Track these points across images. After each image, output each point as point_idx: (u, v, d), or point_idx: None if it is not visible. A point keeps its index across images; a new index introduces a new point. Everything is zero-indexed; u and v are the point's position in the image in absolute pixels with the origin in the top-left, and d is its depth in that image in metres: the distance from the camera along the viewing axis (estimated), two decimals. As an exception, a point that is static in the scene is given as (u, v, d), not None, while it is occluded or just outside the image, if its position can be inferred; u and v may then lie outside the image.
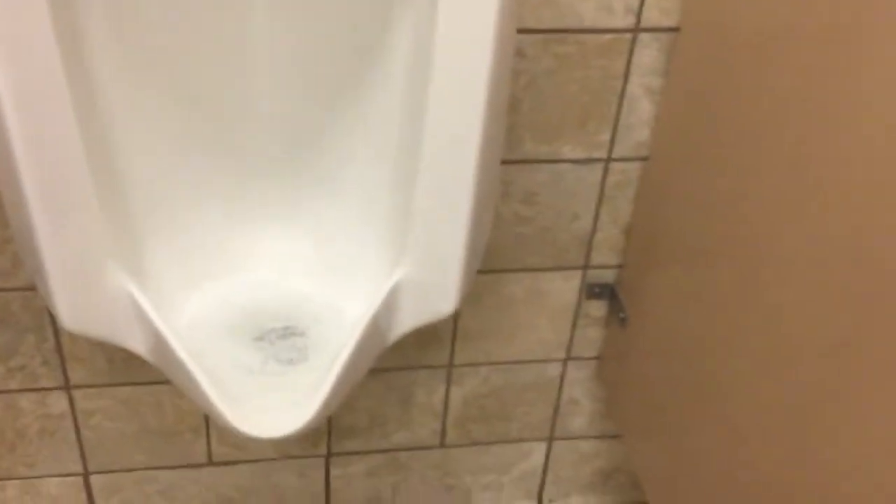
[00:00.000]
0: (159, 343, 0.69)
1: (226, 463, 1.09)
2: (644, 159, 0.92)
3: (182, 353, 0.67)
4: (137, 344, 0.71)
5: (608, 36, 0.83)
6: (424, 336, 1.02)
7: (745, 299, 0.75)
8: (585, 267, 1.00)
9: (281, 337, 0.76)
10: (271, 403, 0.69)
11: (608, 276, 1.01)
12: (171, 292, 0.74)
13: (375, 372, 1.04)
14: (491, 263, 0.97)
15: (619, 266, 1.00)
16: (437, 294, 0.73)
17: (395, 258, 0.73)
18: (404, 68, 0.70)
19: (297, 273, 0.78)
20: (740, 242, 0.76)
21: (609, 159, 0.91)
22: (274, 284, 0.78)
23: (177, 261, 0.75)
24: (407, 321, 0.74)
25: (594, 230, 0.97)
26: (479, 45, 0.63)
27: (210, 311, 0.76)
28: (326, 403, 0.67)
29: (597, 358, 1.09)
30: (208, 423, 1.05)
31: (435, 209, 0.70)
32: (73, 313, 0.68)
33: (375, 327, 0.71)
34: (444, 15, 0.62)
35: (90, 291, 0.68)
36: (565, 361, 1.08)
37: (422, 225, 0.70)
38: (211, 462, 1.08)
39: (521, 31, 0.81)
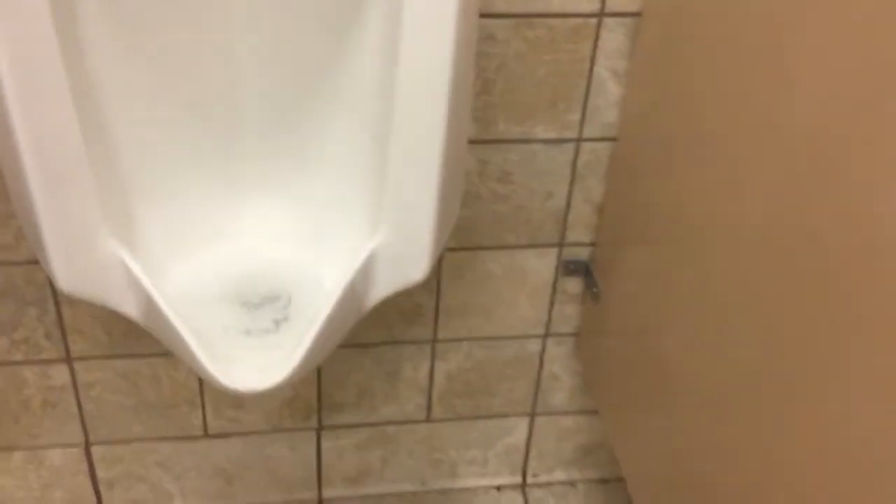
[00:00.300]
0: (150, 306, 0.74)
1: (220, 435, 1.14)
2: (613, 139, 0.97)
3: (171, 316, 0.72)
4: (130, 308, 0.76)
5: (575, 20, 0.88)
6: (409, 312, 1.07)
7: (705, 276, 0.79)
8: (561, 244, 1.04)
9: (264, 301, 0.81)
10: (255, 362, 0.73)
11: (583, 253, 1.06)
12: (161, 259, 0.79)
13: (364, 346, 1.09)
14: (470, 240, 1.02)
15: (593, 244, 1.05)
16: (409, 262, 0.77)
17: (371, 228, 0.78)
18: (376, 47, 0.75)
19: (280, 242, 0.83)
20: (701, 220, 0.80)
21: (580, 139, 0.96)
22: (258, 252, 0.83)
23: (166, 230, 0.80)
24: (382, 287, 0.79)
25: (568, 208, 1.01)
26: (442, 26, 0.68)
27: (197, 277, 0.81)
28: (304, 362, 0.72)
29: (574, 334, 1.14)
30: (203, 396, 1.10)
31: (406, 182, 0.75)
32: (69, 276, 0.73)
33: (352, 292, 0.76)
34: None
35: (85, 257, 0.73)
36: (544, 338, 1.13)
37: (394, 197, 0.75)
38: (206, 434, 1.14)
39: (492, 15, 0.86)
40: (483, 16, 0.86)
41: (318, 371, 1.11)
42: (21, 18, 0.63)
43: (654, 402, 0.92)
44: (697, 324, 0.81)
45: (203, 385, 1.09)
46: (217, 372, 0.70)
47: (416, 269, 0.77)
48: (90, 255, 0.73)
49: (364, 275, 0.77)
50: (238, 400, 1.11)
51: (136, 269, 0.73)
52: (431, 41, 0.69)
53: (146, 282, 0.73)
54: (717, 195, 0.77)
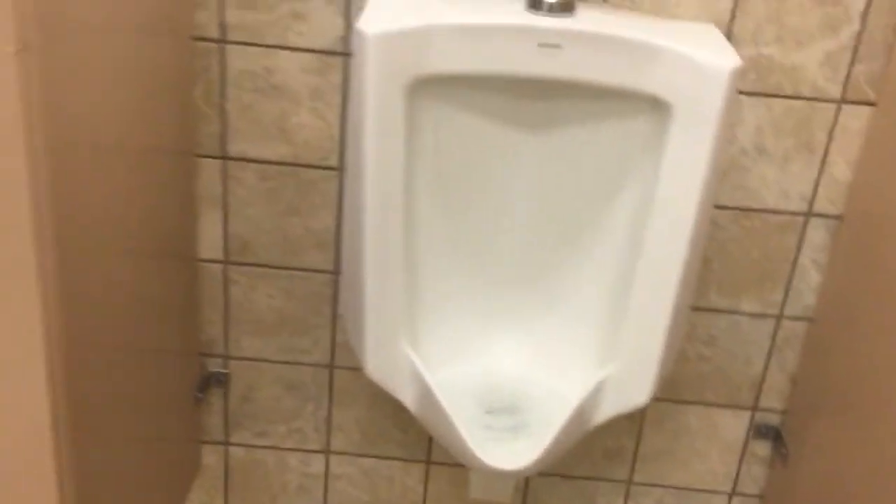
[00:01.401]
0: (428, 399, 0.95)
1: (433, 541, 1.31)
2: (810, 320, 1.13)
3: (447, 407, 0.92)
4: (408, 398, 0.98)
5: (785, 216, 1.07)
6: (612, 451, 1.23)
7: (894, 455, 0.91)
8: (754, 408, 1.19)
9: (508, 411, 1.01)
10: (504, 451, 0.92)
11: (774, 419, 1.20)
12: (432, 365, 1.01)
13: (568, 477, 1.25)
14: (674, 394, 1.19)
15: (784, 411, 1.19)
16: (635, 389, 0.96)
17: (601, 360, 0.97)
18: (627, 221, 0.97)
19: (526, 364, 1.04)
20: (891, 402, 0.93)
21: (780, 316, 1.13)
22: (507, 371, 1.04)
23: (438, 344, 1.02)
24: (608, 408, 0.97)
25: (764, 376, 1.17)
26: (685, 212, 0.90)
27: (457, 383, 1.02)
28: (544, 455, 0.90)
29: (759, 496, 1.25)
30: (425, 502, 1.28)
31: (640, 326, 0.94)
32: (374, 363, 0.96)
33: (583, 410, 0.95)
34: (662, 188, 0.90)
35: (387, 353, 0.96)
36: (731, 495, 1.26)
37: (628, 336, 0.95)
38: (422, 538, 1.31)
39: (716, 206, 1.07)
40: (708, 206, 1.07)
41: (525, 494, 1.27)
42: (385, 180, 0.89)
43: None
44: (886, 499, 0.92)
45: (427, 492, 1.28)
46: (484, 456, 0.89)
47: (640, 395, 0.96)
48: (390, 351, 0.96)
49: (594, 396, 0.96)
50: (455, 510, 1.29)
51: (422, 368, 0.95)
52: (675, 223, 0.90)
53: (430, 379, 0.94)
54: None
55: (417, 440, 1.25)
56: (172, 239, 1.04)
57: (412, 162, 0.94)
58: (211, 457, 1.26)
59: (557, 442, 0.91)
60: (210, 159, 1.07)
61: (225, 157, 1.07)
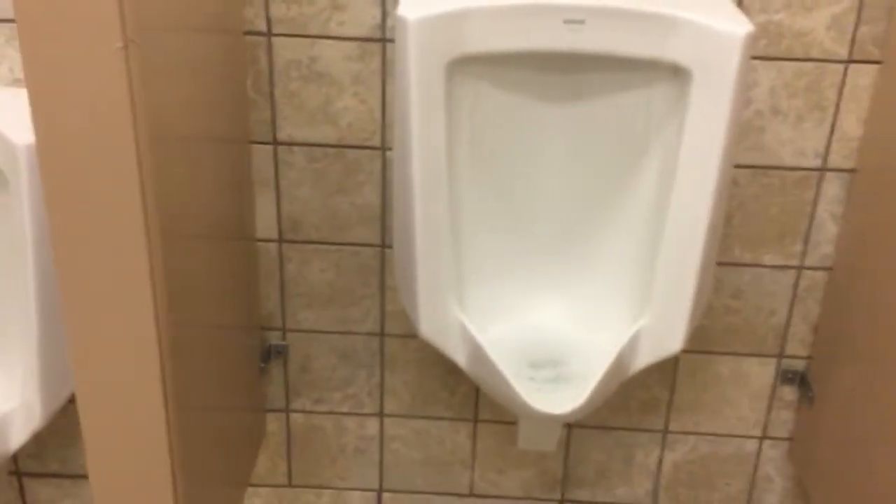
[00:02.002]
0: (478, 355, 1.03)
1: (482, 496, 1.40)
2: (829, 269, 1.20)
3: (497, 361, 1.00)
4: (460, 356, 1.06)
5: (801, 173, 1.15)
6: (647, 403, 1.31)
7: None
8: (780, 356, 1.27)
9: (551, 364, 1.09)
10: (551, 399, 1.00)
11: (799, 364, 1.27)
12: (479, 324, 1.09)
13: (606, 429, 1.33)
14: (704, 346, 1.26)
15: (809, 357, 1.26)
16: (668, 338, 1.03)
17: (636, 313, 1.05)
18: (654, 183, 1.04)
19: (565, 320, 1.12)
20: None
21: (801, 267, 1.20)
22: (548, 327, 1.12)
23: (484, 305, 1.10)
24: (644, 357, 1.05)
25: (788, 324, 1.24)
26: (708, 172, 0.97)
27: (503, 339, 1.10)
28: (588, 401, 0.98)
29: (789, 439, 1.33)
30: (475, 458, 1.37)
31: (670, 279, 1.02)
32: (427, 326, 1.04)
33: (622, 358, 1.03)
34: (685, 150, 0.97)
35: (439, 314, 1.04)
36: (761, 440, 1.33)
37: (660, 290, 1.03)
38: (472, 493, 1.39)
39: (737, 165, 1.14)
40: (728, 166, 1.14)
41: (567, 446, 1.35)
42: (430, 156, 0.97)
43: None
44: None
45: (476, 448, 1.36)
46: (533, 402, 0.97)
47: (673, 343, 1.03)
48: (442, 314, 1.04)
49: (631, 346, 1.03)
50: (501, 464, 1.37)
51: (471, 328, 1.03)
52: (698, 184, 0.98)
53: (479, 337, 1.02)
54: None
55: (464, 401, 1.33)
56: (235, 221, 1.13)
57: (452, 137, 1.02)
58: (274, 424, 1.35)
59: (599, 389, 0.99)
60: (262, 145, 1.15)
61: (276, 143, 1.15)
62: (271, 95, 1.13)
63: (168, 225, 0.77)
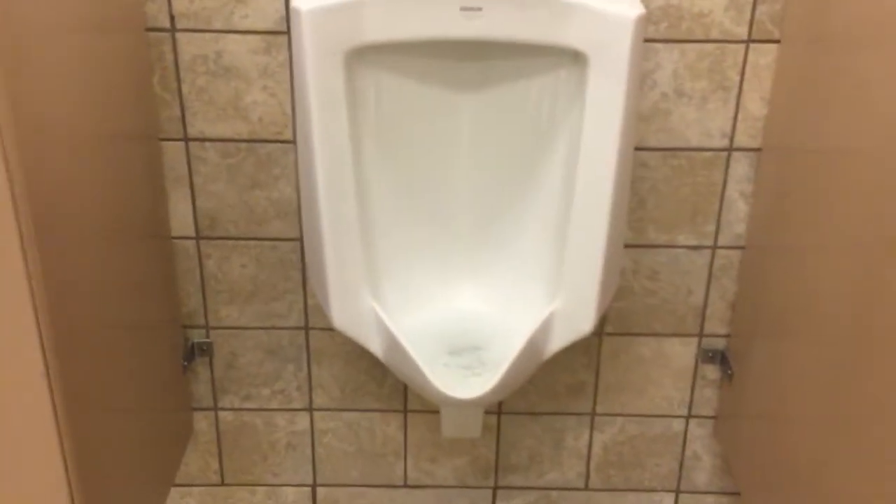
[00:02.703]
0: (393, 344, 1.03)
1: (417, 486, 1.40)
2: (742, 248, 1.22)
3: (409, 349, 1.01)
4: (375, 346, 1.06)
5: (709, 153, 1.16)
6: (573, 386, 1.33)
7: (828, 367, 0.97)
8: (700, 335, 1.28)
9: (469, 350, 1.09)
10: (464, 383, 1.01)
11: (719, 343, 1.29)
12: (396, 315, 1.09)
13: (535, 414, 1.35)
14: (625, 327, 1.28)
15: (728, 335, 1.28)
16: (580, 319, 1.05)
17: (550, 296, 1.06)
18: (561, 167, 1.05)
19: (481, 305, 1.13)
20: (825, 318, 1.00)
21: (715, 247, 1.22)
22: (464, 313, 1.13)
23: (400, 293, 1.11)
24: (558, 340, 1.06)
25: (706, 304, 1.26)
26: (608, 155, 0.98)
27: (420, 328, 1.11)
28: (497, 387, 0.99)
29: (714, 417, 1.35)
30: (406, 449, 1.38)
31: (578, 262, 1.03)
32: (340, 318, 1.04)
33: (534, 342, 1.04)
34: (586, 134, 0.98)
35: (351, 305, 1.04)
36: (687, 419, 1.35)
37: (569, 272, 1.04)
38: (406, 484, 1.40)
39: (645, 148, 1.16)
40: (638, 149, 1.15)
41: (497, 433, 1.36)
42: (333, 148, 0.98)
43: (789, 487, 1.08)
44: (821, 413, 0.99)
45: (407, 439, 1.37)
46: (444, 387, 0.98)
47: (585, 324, 1.04)
48: (354, 305, 1.04)
49: (544, 329, 1.04)
50: (433, 454, 1.38)
51: (385, 316, 1.04)
52: (599, 167, 0.99)
53: (392, 325, 1.03)
54: (835, 295, 0.98)
55: (393, 392, 1.34)
56: (147, 220, 1.12)
57: (357, 128, 1.02)
58: (202, 422, 1.34)
59: (511, 373, 1.00)
60: (173, 142, 1.15)
61: (187, 139, 1.15)
62: (179, 92, 1.12)
63: (53, 224, 0.76)
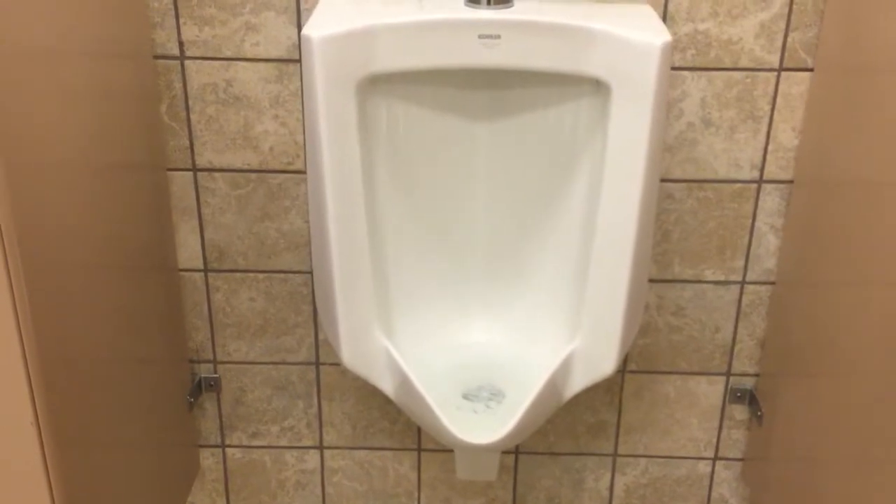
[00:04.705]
0: (405, 384, 0.99)
1: (431, 527, 1.35)
2: (772, 283, 1.16)
3: (422, 391, 0.96)
4: (387, 385, 1.02)
5: (738, 185, 1.11)
6: (594, 426, 1.27)
7: (861, 410, 0.93)
8: (728, 373, 1.23)
9: (484, 390, 1.05)
10: (479, 426, 0.96)
11: (748, 382, 1.23)
12: (408, 351, 1.05)
13: (554, 455, 1.29)
14: (649, 365, 1.22)
15: (757, 374, 1.22)
16: (601, 359, 0.99)
17: (570, 334, 1.01)
18: (582, 200, 1.01)
19: (498, 344, 1.08)
20: (854, 355, 0.96)
21: (743, 282, 1.17)
22: (482, 351, 1.08)
23: (413, 329, 1.06)
24: (578, 380, 1.01)
25: (734, 341, 1.20)
26: (632, 187, 0.93)
27: (434, 367, 1.06)
28: (514, 432, 0.94)
29: (741, 459, 1.29)
30: (419, 490, 1.33)
31: (600, 299, 0.98)
32: (350, 356, 1.00)
33: (553, 383, 0.99)
34: (608, 165, 0.93)
35: (362, 343, 1.00)
36: (714, 461, 1.29)
37: (590, 310, 0.99)
38: (419, 525, 1.35)
39: (670, 180, 1.11)
40: (664, 180, 1.11)
41: (515, 474, 1.31)
42: (344, 179, 0.93)
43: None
44: (854, 455, 0.95)
45: (420, 478, 1.32)
46: (459, 433, 0.93)
47: (607, 364, 0.99)
48: (365, 343, 1.00)
49: (564, 369, 0.99)
50: (447, 494, 1.32)
51: (397, 355, 0.99)
52: (623, 199, 0.94)
53: (404, 365, 0.98)
54: (869, 334, 0.93)
55: (406, 429, 1.29)
56: (151, 251, 1.08)
57: (371, 158, 0.98)
58: (209, 459, 1.30)
59: (529, 415, 0.95)
60: (181, 172, 1.11)
61: (195, 169, 1.12)
62: (188, 121, 1.09)
63: (54, 256, 0.72)
